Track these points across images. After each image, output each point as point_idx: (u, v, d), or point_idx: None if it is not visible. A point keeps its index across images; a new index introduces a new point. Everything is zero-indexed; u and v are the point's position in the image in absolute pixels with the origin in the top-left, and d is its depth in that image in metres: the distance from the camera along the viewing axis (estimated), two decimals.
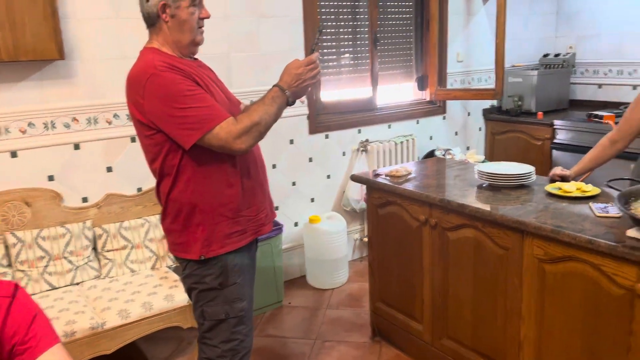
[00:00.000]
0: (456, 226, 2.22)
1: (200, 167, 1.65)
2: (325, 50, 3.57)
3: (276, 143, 3.32)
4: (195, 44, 1.72)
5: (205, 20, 1.73)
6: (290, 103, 1.69)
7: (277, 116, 1.67)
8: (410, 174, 2.61)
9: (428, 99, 4.11)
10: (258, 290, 2.90)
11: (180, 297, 2.43)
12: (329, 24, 3.57)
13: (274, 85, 1.67)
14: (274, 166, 3.33)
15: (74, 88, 2.64)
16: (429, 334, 2.45)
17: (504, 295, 2.06)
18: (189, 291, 1.83)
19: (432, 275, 2.38)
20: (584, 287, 1.76)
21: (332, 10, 3.56)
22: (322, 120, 3.58)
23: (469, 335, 2.25)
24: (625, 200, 1.75)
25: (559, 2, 4.57)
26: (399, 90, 4.12)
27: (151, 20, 1.67)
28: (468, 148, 4.34)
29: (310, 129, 3.51)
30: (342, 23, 3.64)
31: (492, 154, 4.38)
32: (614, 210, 1.86)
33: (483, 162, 3.71)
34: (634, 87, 4.11)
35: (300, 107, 3.43)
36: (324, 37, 3.55)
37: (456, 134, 4.30)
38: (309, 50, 1.74)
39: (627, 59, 4.17)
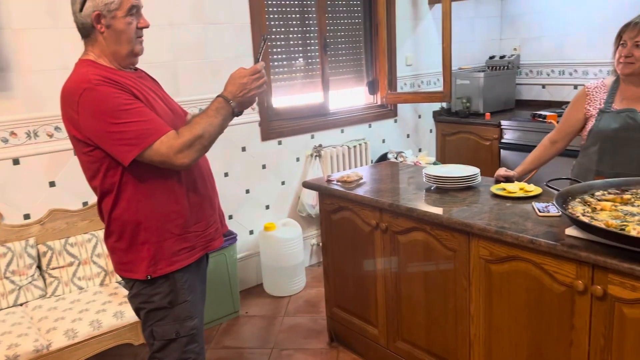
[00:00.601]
0: (406, 230, 2.24)
1: (143, 183, 1.60)
2: (275, 56, 3.56)
3: (228, 151, 3.28)
4: (134, 54, 1.66)
5: (151, 28, 1.67)
6: (236, 113, 1.65)
7: (222, 127, 1.63)
8: (361, 179, 2.62)
9: (379, 102, 4.16)
10: (213, 301, 2.87)
11: (131, 313, 2.36)
12: (278, 29, 3.56)
13: (217, 96, 1.63)
14: (226, 174, 3.29)
15: (11, 101, 2.54)
16: (384, 338, 2.47)
17: (453, 296, 2.10)
18: (137, 311, 1.77)
19: (385, 279, 2.40)
20: (528, 286, 1.81)
21: (280, 16, 3.56)
22: (275, 126, 3.57)
23: (422, 336, 2.28)
24: (564, 199, 1.81)
25: (502, 5, 4.71)
26: (350, 94, 4.15)
27: (85, 31, 1.61)
28: (420, 150, 4.41)
29: (263, 136, 3.49)
30: (292, 29, 3.64)
31: (443, 155, 4.47)
32: (554, 210, 1.92)
33: (434, 163, 3.78)
34: (575, 86, 4.27)
35: (252, 114, 3.40)
36: (274, 42, 3.54)
37: (408, 136, 4.37)
38: (255, 59, 1.72)
39: (568, 60, 4.33)
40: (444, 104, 4.54)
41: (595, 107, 2.22)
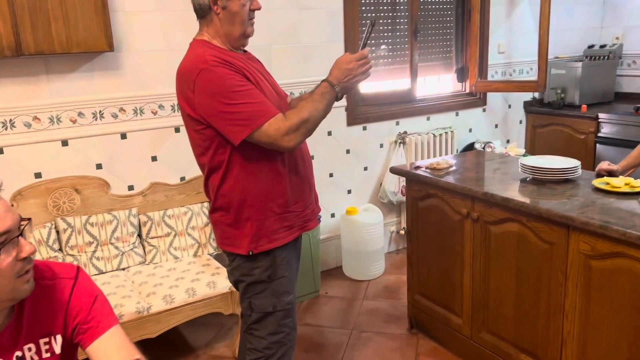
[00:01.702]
0: (499, 220, 2.19)
1: (250, 163, 1.67)
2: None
3: (314, 134, 3.27)
4: (246, 36, 1.72)
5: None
6: (339, 98, 1.68)
7: (326, 112, 1.66)
8: (451, 166, 2.59)
9: (468, 90, 4.06)
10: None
11: (223, 284, 2.49)
12: (368, 14, 3.55)
13: (323, 80, 1.66)
14: (311, 157, 3.34)
15: (122, 79, 2.72)
16: (468, 328, 2.44)
17: (547, 290, 2.03)
18: (235, 283, 1.86)
19: (472, 269, 2.37)
20: (633, 284, 1.73)
21: (372, 1, 3.54)
22: (360, 112, 3.58)
23: (509, 329, 2.24)
24: None
25: None
26: (438, 81, 4.07)
27: (202, 12, 1.68)
28: (508, 141, 4.27)
29: (348, 121, 3.52)
30: (382, 14, 3.62)
31: (533, 148, 4.30)
32: None
33: (524, 155, 3.65)
34: None
35: None
36: (363, 28, 3.54)
37: (496, 126, 4.24)
38: (362, 45, 1.71)
39: None
40: (537, 94, 4.35)
41: None
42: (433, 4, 3.84)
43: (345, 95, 1.68)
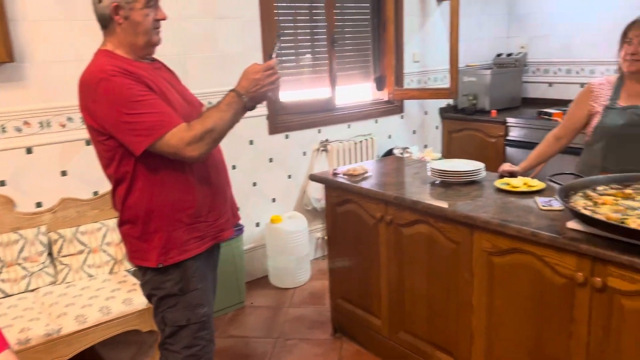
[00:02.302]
0: (410, 222, 2.28)
1: (155, 173, 1.64)
2: (283, 51, 3.60)
3: (235, 144, 3.33)
4: (151, 45, 1.69)
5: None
6: (249, 108, 1.68)
7: (232, 122, 1.65)
8: (367, 172, 2.66)
9: (386, 98, 4.19)
10: (219, 291, 2.90)
11: (139, 300, 2.41)
12: (287, 24, 3.59)
13: (230, 90, 1.64)
14: (233, 167, 3.33)
15: (26, 91, 2.59)
16: (386, 329, 2.51)
17: (456, 288, 2.13)
18: (148, 297, 1.82)
19: (388, 270, 2.44)
20: (530, 278, 1.85)
21: (289, 11, 3.59)
22: (282, 120, 3.61)
23: (424, 328, 2.32)
24: (566, 194, 1.84)
25: (510, 3, 4.72)
26: (358, 90, 4.18)
27: (104, 22, 1.65)
28: (426, 146, 4.44)
29: (270, 130, 3.53)
30: (300, 24, 3.68)
31: (449, 152, 4.49)
32: (556, 204, 1.95)
33: (439, 159, 3.81)
34: (582, 85, 4.23)
35: (259, 108, 3.41)
36: (282, 37, 3.57)
37: (414, 132, 4.40)
38: (268, 56, 1.71)
39: (575, 59, 4.34)
40: (451, 101, 4.56)
41: (601, 104, 2.24)
42: (349, 15, 3.95)
43: (258, 105, 1.67)
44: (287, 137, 3.63)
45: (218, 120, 1.61)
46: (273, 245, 3.43)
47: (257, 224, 3.57)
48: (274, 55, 1.71)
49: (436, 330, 2.27)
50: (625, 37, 2.16)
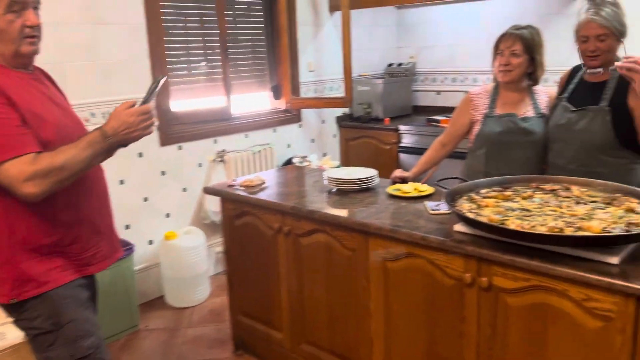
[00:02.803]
0: (308, 232, 2.26)
1: (4, 200, 1.47)
2: (173, 59, 3.45)
3: (123, 157, 3.08)
4: (21, 55, 1.52)
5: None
6: (113, 150, 1.53)
7: (88, 164, 1.49)
8: (264, 182, 2.60)
9: (284, 107, 4.17)
10: (109, 316, 2.71)
11: (13, 334, 2.16)
12: (177, 31, 3.46)
13: (96, 128, 1.50)
14: (121, 182, 3.12)
15: None
16: (288, 341, 2.46)
17: (354, 295, 2.14)
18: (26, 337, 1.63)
19: (288, 282, 2.40)
20: (422, 281, 1.89)
21: (178, 18, 3.46)
22: (175, 130, 3.45)
23: (325, 337, 2.30)
24: (453, 197, 1.91)
25: (398, 14, 4.92)
26: (255, 99, 4.12)
27: None
28: (324, 154, 4.48)
29: (162, 141, 3.36)
30: (192, 31, 3.55)
31: (347, 160, 4.57)
32: (444, 208, 2.02)
33: (337, 167, 3.85)
34: (466, 92, 4.54)
35: None
36: (172, 45, 3.43)
37: (313, 141, 4.42)
38: (144, 99, 1.55)
39: (459, 68, 4.61)
40: (347, 110, 4.64)
41: (480, 112, 2.37)
42: (242, 23, 3.88)
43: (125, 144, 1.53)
44: (180, 148, 3.48)
45: (71, 158, 1.45)
46: (168, 263, 3.26)
47: (151, 242, 3.38)
48: (152, 99, 1.56)
49: (337, 338, 2.26)
50: (497, 48, 2.30)
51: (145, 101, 1.55)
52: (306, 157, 4.02)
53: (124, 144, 1.53)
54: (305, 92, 4.27)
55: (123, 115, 1.49)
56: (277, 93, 4.15)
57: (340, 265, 2.16)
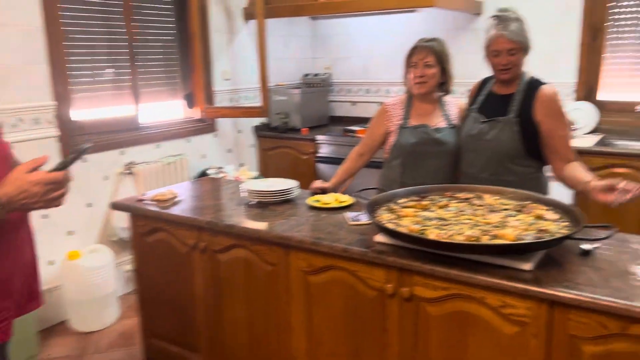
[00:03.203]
0: (226, 248, 2.16)
1: None
2: (74, 65, 3.21)
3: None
4: None
5: None
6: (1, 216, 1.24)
7: None
8: (176, 196, 2.47)
9: (198, 116, 4.03)
10: None
11: None
12: (79, 35, 3.22)
13: None
14: None
15: None
16: None
17: (275, 311, 2.07)
18: None
19: (205, 300, 2.28)
20: (344, 294, 1.86)
21: (80, 21, 3.22)
22: (77, 142, 3.20)
23: (246, 357, 2.21)
24: (373, 208, 1.90)
25: (313, 25, 4.94)
26: (167, 107, 3.94)
27: None
28: (241, 165, 4.37)
29: (63, 153, 3.11)
30: (96, 35, 3.33)
31: (265, 170, 4.49)
32: (364, 218, 2.01)
33: (256, 178, 3.77)
34: (380, 104, 4.63)
35: (48, 128, 3.01)
36: (73, 50, 3.19)
37: (229, 151, 4.30)
38: (58, 166, 1.26)
39: (372, 79, 4.70)
40: (264, 119, 4.58)
41: (395, 124, 2.40)
42: (152, 27, 3.71)
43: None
44: (84, 160, 3.23)
45: None
46: (71, 284, 3.00)
47: (51, 263, 3.10)
48: (63, 167, 1.27)
49: (258, 357, 2.17)
50: (409, 61, 2.33)
51: (59, 168, 1.26)
52: (222, 168, 3.90)
53: (19, 211, 1.26)
54: (220, 101, 4.16)
55: (24, 182, 1.21)
56: (190, 101, 4.00)
57: (261, 280, 2.08)
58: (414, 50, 2.32)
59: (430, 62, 2.28)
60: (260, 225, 2.05)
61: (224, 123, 4.21)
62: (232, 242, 2.13)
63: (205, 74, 3.94)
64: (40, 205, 1.24)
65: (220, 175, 3.76)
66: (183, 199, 2.46)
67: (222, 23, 4.12)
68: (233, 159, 4.33)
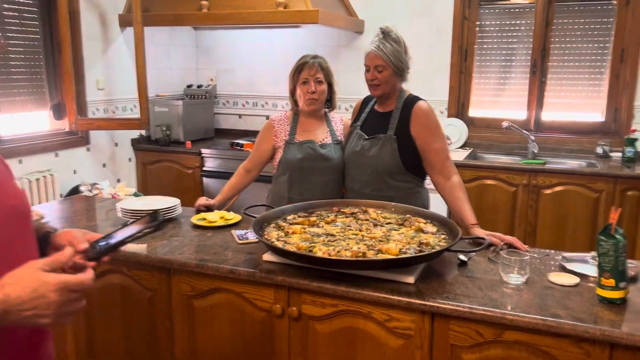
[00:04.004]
0: (99, 274, 1.97)
1: None
2: None
3: None
4: None
5: None
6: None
7: None
8: (42, 218, 2.21)
9: (68, 129, 3.70)
10: None
11: None
12: None
13: None
14: None
15: None
16: None
17: (157, 340, 1.93)
18: None
19: (76, 332, 2.07)
20: (231, 317, 1.79)
21: None
22: None
23: None
24: (260, 226, 1.86)
25: (197, 36, 4.80)
26: (32, 119, 3.57)
27: None
28: (119, 180, 4.09)
29: None
30: None
31: (145, 186, 4.25)
32: (253, 236, 1.95)
33: (135, 194, 3.54)
34: (267, 117, 4.62)
35: None
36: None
37: (104, 166, 4.01)
38: (87, 256, 1.02)
39: (259, 93, 4.67)
40: (143, 132, 4.33)
41: (282, 139, 2.38)
42: (13, 32, 3.35)
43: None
44: None
45: None
46: None
47: None
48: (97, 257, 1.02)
49: None
50: (298, 77, 2.32)
51: (97, 255, 1.00)
52: (97, 184, 3.61)
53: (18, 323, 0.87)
54: (94, 112, 3.86)
55: (40, 284, 0.85)
56: (58, 112, 3.66)
57: (140, 308, 1.93)
58: (303, 66, 2.31)
59: (320, 78, 2.30)
60: (138, 248, 1.91)
61: (98, 136, 3.92)
62: (106, 267, 1.95)
63: (77, 83, 3.64)
64: (48, 320, 0.86)
65: (95, 192, 3.48)
66: (50, 220, 2.22)
67: (96, 30, 3.85)
68: (109, 174, 4.04)
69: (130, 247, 1.91)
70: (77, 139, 3.75)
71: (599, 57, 3.82)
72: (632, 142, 3.56)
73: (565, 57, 3.88)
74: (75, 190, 3.56)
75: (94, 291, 1.99)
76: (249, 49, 4.62)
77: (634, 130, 3.65)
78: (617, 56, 3.74)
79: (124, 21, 3.98)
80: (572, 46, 3.86)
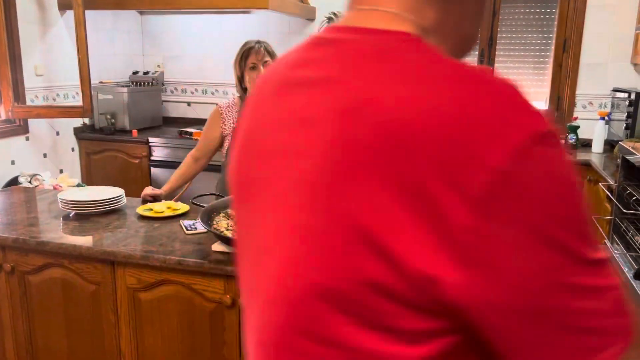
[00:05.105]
0: (39, 268, 1.88)
1: None
2: None
3: None
4: None
5: None
6: None
7: None
8: None
9: (4, 117, 3.49)
10: None
11: None
12: None
13: None
14: None
15: None
16: None
17: (101, 335, 1.86)
18: None
19: (15, 330, 1.97)
20: (179, 309, 1.74)
21: None
22: None
23: None
24: (209, 215, 1.81)
25: (142, 21, 4.63)
26: None
27: None
28: (61, 171, 3.91)
29: None
30: None
31: (89, 176, 4.08)
32: (201, 227, 1.90)
33: (78, 185, 3.39)
34: (217, 104, 4.53)
35: None
36: None
37: (45, 156, 3.82)
38: None
39: (208, 80, 4.56)
40: (86, 120, 4.15)
41: (230, 126, 2.33)
42: None
43: None
44: None
45: None
46: None
47: None
48: None
49: None
50: (245, 63, 2.27)
51: None
52: (37, 175, 3.43)
53: None
54: (33, 99, 3.67)
55: None
56: None
57: (83, 302, 1.85)
58: (249, 52, 2.26)
59: (269, 62, 2.26)
60: (81, 241, 1.83)
61: (38, 124, 3.72)
62: (46, 261, 1.86)
63: (13, 69, 3.44)
64: None
65: (35, 183, 3.31)
66: None
67: (33, 13, 3.64)
68: (50, 164, 3.86)
69: (72, 239, 1.83)
70: (15, 127, 3.55)
71: (542, 47, 3.94)
72: (574, 130, 3.70)
73: (511, 47, 3.98)
74: (14, 182, 3.38)
75: (33, 286, 1.90)
76: (198, 35, 4.50)
77: (576, 118, 3.79)
78: (560, 46, 3.86)
79: (63, 4, 3.77)
80: (518, 36, 3.96)
